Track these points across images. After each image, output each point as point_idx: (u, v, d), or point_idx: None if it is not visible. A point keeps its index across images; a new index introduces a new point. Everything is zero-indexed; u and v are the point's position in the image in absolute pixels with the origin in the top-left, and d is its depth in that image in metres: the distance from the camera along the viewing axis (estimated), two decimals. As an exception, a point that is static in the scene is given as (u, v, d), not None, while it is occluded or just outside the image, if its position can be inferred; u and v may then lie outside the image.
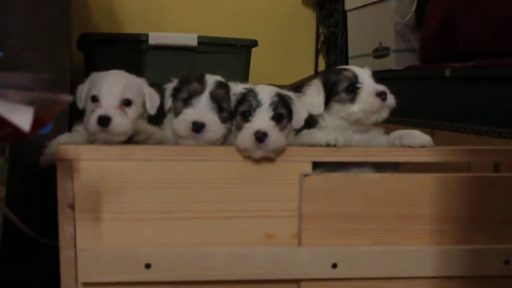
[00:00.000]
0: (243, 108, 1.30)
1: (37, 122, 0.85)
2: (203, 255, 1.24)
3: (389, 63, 2.44)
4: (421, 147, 1.31)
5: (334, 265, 1.27)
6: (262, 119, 1.26)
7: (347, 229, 1.28)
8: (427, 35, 2.21)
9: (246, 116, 1.28)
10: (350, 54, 2.84)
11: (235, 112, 1.32)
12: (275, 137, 1.23)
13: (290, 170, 1.26)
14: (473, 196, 1.31)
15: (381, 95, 1.35)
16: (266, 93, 1.30)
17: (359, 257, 1.28)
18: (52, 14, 1.55)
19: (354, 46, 2.81)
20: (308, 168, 1.26)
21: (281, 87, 1.39)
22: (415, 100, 2.18)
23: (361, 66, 2.61)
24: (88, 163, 1.20)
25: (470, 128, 1.76)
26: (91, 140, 1.27)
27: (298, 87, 1.41)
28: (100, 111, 1.24)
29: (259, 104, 1.28)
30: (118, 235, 1.22)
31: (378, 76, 2.44)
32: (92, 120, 1.23)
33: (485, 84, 1.80)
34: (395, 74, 2.37)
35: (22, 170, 1.25)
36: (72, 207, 1.20)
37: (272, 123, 1.26)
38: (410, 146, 1.31)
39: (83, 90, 1.35)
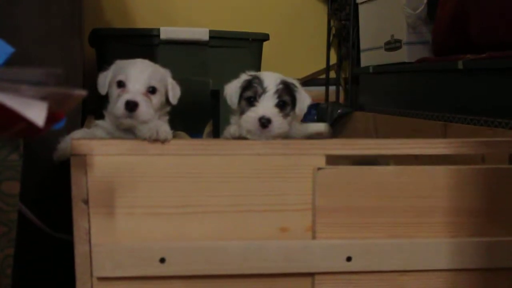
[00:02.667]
0: (248, 94, 1.33)
1: (51, 117, 0.85)
2: (217, 249, 1.24)
3: (401, 55, 2.42)
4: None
5: (349, 258, 1.27)
6: (267, 106, 1.29)
7: (361, 222, 1.27)
8: (439, 27, 2.20)
9: (251, 101, 1.31)
10: (361, 47, 2.83)
11: (240, 97, 1.35)
12: (279, 123, 1.27)
13: (304, 163, 1.25)
14: (488, 188, 1.30)
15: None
16: (271, 80, 1.32)
17: (373, 250, 1.27)
18: (64, 9, 1.55)
19: (365, 39, 2.80)
20: (322, 161, 1.26)
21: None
22: (428, 92, 2.17)
23: (374, 58, 2.64)
24: (102, 157, 1.20)
25: (483, 120, 1.75)
26: (112, 135, 1.28)
27: (309, 81, 1.41)
28: (127, 96, 1.28)
29: (264, 91, 1.30)
30: (133, 229, 1.22)
31: (391, 69, 2.45)
32: (119, 104, 1.27)
33: (498, 75, 1.78)
34: (408, 66, 2.36)
35: (36, 165, 1.26)
36: (86, 202, 1.20)
37: (276, 110, 1.29)
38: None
39: (106, 76, 1.38)
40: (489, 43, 1.90)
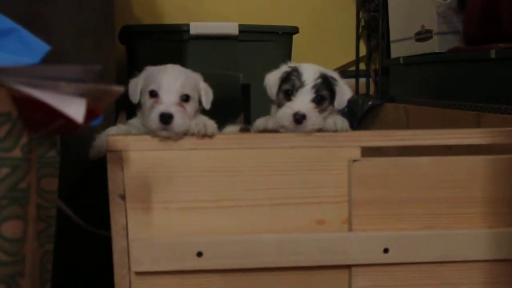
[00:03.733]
0: (286, 87, 1.32)
1: (89, 114, 0.85)
2: (253, 243, 1.25)
3: (432, 46, 2.40)
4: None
5: (386, 250, 1.26)
6: (303, 101, 1.28)
7: (397, 213, 1.27)
8: (470, 16, 2.18)
9: (289, 95, 1.31)
10: (391, 38, 2.81)
11: (279, 89, 1.34)
12: (313, 119, 1.26)
13: (339, 155, 1.25)
14: (525, 178, 1.29)
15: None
16: (310, 74, 1.31)
17: (410, 242, 1.27)
18: (96, 6, 1.56)
19: (395, 30, 2.78)
20: (357, 153, 1.25)
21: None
22: (460, 83, 2.15)
23: (404, 49, 2.62)
24: (137, 153, 1.21)
25: (517, 109, 1.74)
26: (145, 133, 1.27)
27: (340, 73, 1.40)
28: (161, 108, 1.24)
29: (302, 85, 1.30)
30: (169, 224, 1.23)
31: (421, 60, 2.43)
32: (153, 116, 1.23)
33: (532, 63, 1.77)
34: (439, 57, 2.34)
35: (72, 161, 1.27)
36: (123, 197, 1.21)
37: (312, 105, 1.28)
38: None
39: (137, 84, 1.35)
40: (521, 32, 1.89)
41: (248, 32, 2.34)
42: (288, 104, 1.29)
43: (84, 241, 1.43)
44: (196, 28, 2.26)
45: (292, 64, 1.37)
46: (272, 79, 1.37)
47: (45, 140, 0.96)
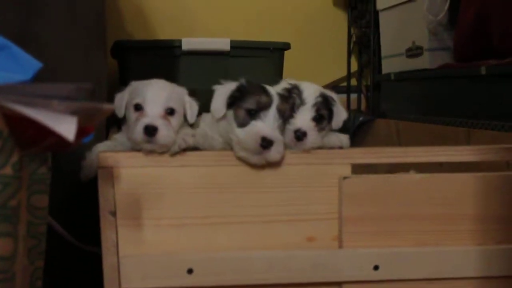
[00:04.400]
0: (287, 106, 1.30)
1: (81, 131, 0.86)
2: (244, 259, 1.25)
3: (423, 62, 2.41)
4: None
5: (376, 267, 1.26)
6: (304, 119, 1.29)
7: (388, 230, 1.27)
8: (461, 33, 2.19)
9: (291, 114, 1.30)
10: (383, 54, 2.82)
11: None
12: (314, 137, 1.26)
13: (329, 173, 1.26)
14: (514, 195, 1.30)
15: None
16: (311, 92, 1.32)
17: (400, 259, 1.27)
18: (88, 22, 1.56)
19: (386, 46, 2.79)
20: (347, 170, 1.26)
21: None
22: (451, 99, 2.16)
23: (395, 65, 2.63)
24: (128, 170, 1.21)
25: (508, 126, 1.74)
26: (132, 149, 1.27)
27: (331, 88, 1.41)
28: (146, 120, 1.24)
29: (302, 103, 1.30)
30: (160, 240, 1.23)
31: (412, 76, 2.44)
32: (138, 129, 1.22)
33: (522, 81, 1.78)
34: (429, 73, 2.35)
35: (63, 178, 1.26)
36: (113, 213, 1.21)
37: (312, 124, 1.29)
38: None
39: (123, 99, 1.34)
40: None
41: (240, 48, 2.34)
42: (290, 121, 1.28)
43: (74, 257, 1.43)
44: (188, 43, 2.27)
45: (292, 81, 1.37)
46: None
47: (36, 157, 0.96)
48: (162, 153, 1.24)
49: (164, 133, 1.23)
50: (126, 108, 1.34)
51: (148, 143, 1.22)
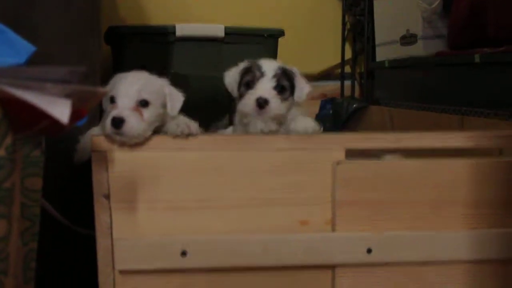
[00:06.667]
0: (247, 78, 1.35)
1: (74, 115, 0.86)
2: (237, 242, 1.25)
3: (417, 50, 2.42)
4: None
5: (369, 250, 1.27)
6: (264, 88, 1.32)
7: (381, 215, 1.28)
8: (456, 21, 2.19)
9: (249, 85, 1.34)
10: (377, 41, 2.83)
11: (240, 82, 1.37)
12: (276, 104, 1.30)
13: (323, 157, 1.26)
14: (506, 181, 1.31)
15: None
16: (269, 66, 1.35)
17: (393, 242, 1.28)
18: (82, 7, 1.56)
19: (381, 34, 2.79)
20: (341, 155, 1.26)
21: (307, 75, 1.41)
22: (444, 86, 2.16)
23: (389, 53, 2.63)
24: (122, 153, 1.22)
25: (501, 114, 1.75)
26: None
27: (325, 75, 1.42)
28: (114, 113, 1.23)
29: (262, 75, 1.33)
30: (154, 223, 1.24)
31: (406, 63, 2.44)
32: (107, 121, 1.23)
33: (516, 69, 1.79)
34: (423, 61, 2.36)
35: (57, 161, 1.27)
36: (107, 197, 1.22)
37: (274, 92, 1.31)
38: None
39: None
40: (506, 36, 1.90)
41: (234, 34, 2.34)
42: (250, 91, 1.32)
43: (68, 240, 1.43)
44: (182, 29, 2.26)
45: (251, 60, 1.40)
46: (231, 75, 1.40)
47: (30, 140, 0.96)
48: (135, 145, 1.25)
49: (132, 125, 1.22)
50: (106, 100, 1.33)
51: (117, 135, 1.22)
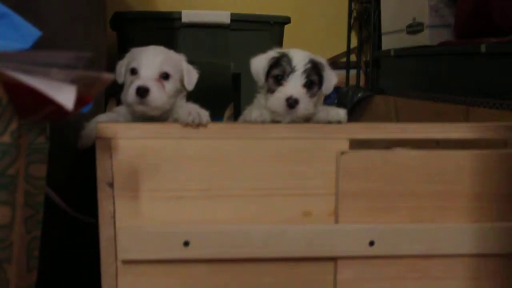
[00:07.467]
0: (276, 72, 1.33)
1: (79, 101, 0.86)
2: (240, 233, 1.25)
3: (423, 39, 2.41)
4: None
5: (372, 243, 1.27)
6: (294, 86, 1.30)
7: (384, 206, 1.28)
8: (462, 10, 2.18)
9: (279, 80, 1.31)
10: (383, 30, 2.82)
11: (267, 75, 1.35)
12: (306, 104, 1.28)
13: (327, 147, 1.25)
14: (511, 173, 1.30)
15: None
16: (300, 59, 1.32)
17: (396, 235, 1.27)
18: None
19: (387, 22, 2.78)
20: (345, 145, 1.26)
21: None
22: (450, 76, 2.16)
23: (395, 42, 2.62)
24: (127, 141, 1.21)
25: (506, 104, 1.74)
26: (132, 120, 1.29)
27: (330, 64, 1.41)
28: (138, 82, 1.27)
29: (292, 70, 1.31)
30: (157, 212, 1.23)
31: (412, 52, 2.43)
32: (131, 91, 1.27)
33: (522, 59, 1.78)
34: (430, 50, 2.35)
35: (61, 148, 1.26)
36: (111, 185, 1.21)
37: (303, 90, 1.30)
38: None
39: (122, 65, 1.38)
40: (512, 25, 1.89)
41: (239, 21, 2.34)
42: (280, 89, 1.30)
43: (71, 228, 1.43)
44: (188, 16, 2.26)
45: (279, 49, 1.38)
46: (260, 65, 1.37)
47: (35, 126, 0.95)
48: (153, 117, 1.30)
49: (156, 95, 1.27)
50: (125, 74, 1.37)
51: (140, 104, 1.27)
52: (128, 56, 1.38)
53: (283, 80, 1.30)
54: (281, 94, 1.28)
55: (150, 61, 1.32)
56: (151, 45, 1.39)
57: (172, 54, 1.39)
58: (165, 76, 1.33)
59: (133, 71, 1.32)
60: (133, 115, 1.35)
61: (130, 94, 1.27)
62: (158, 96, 1.28)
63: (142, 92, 1.26)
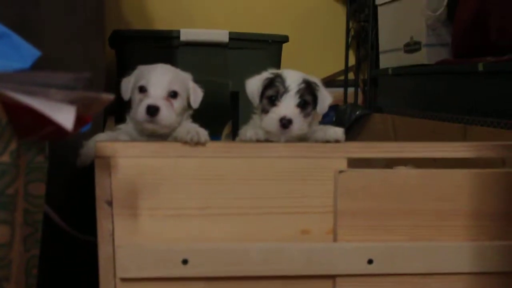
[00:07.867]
0: (270, 92, 1.34)
1: (79, 121, 0.86)
2: (239, 251, 1.25)
3: (421, 57, 2.42)
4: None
5: (370, 261, 1.27)
6: (288, 106, 1.31)
7: (382, 225, 1.28)
8: (459, 29, 2.20)
9: (273, 100, 1.32)
10: (380, 49, 2.83)
11: (262, 95, 1.36)
12: (299, 124, 1.29)
13: (326, 166, 1.26)
14: (509, 192, 1.30)
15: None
16: (293, 79, 1.33)
17: (395, 253, 1.27)
18: (87, 11, 1.56)
19: (384, 41, 2.80)
20: (344, 164, 1.26)
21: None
22: (448, 95, 2.16)
23: (393, 60, 2.63)
24: (125, 160, 1.21)
25: (504, 123, 1.75)
26: (134, 139, 1.29)
27: (328, 82, 1.42)
28: (149, 101, 1.30)
29: (286, 90, 1.32)
30: (156, 231, 1.23)
31: (410, 71, 2.44)
32: (140, 109, 1.29)
33: (519, 78, 1.79)
34: (427, 68, 2.36)
35: (61, 167, 1.27)
36: (110, 203, 1.21)
37: (297, 110, 1.31)
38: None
39: (129, 82, 1.39)
40: (510, 45, 1.90)
41: (238, 40, 2.34)
42: (274, 109, 1.31)
43: (70, 246, 1.43)
44: (187, 34, 2.26)
45: (273, 70, 1.39)
46: (254, 86, 1.38)
47: (34, 145, 0.96)
48: (161, 135, 1.32)
49: (166, 114, 1.30)
50: (132, 91, 1.39)
51: (150, 123, 1.30)
52: (135, 73, 1.40)
53: (276, 101, 1.32)
54: (274, 115, 1.29)
55: (159, 80, 1.34)
56: (149, 63, 1.40)
57: (179, 72, 1.42)
58: (173, 95, 1.35)
59: (142, 89, 1.34)
60: (141, 133, 1.36)
61: (140, 112, 1.29)
62: (168, 114, 1.30)
63: (153, 111, 1.28)
